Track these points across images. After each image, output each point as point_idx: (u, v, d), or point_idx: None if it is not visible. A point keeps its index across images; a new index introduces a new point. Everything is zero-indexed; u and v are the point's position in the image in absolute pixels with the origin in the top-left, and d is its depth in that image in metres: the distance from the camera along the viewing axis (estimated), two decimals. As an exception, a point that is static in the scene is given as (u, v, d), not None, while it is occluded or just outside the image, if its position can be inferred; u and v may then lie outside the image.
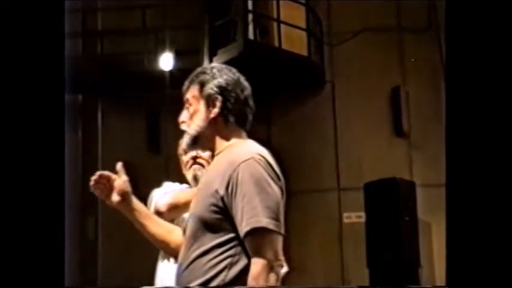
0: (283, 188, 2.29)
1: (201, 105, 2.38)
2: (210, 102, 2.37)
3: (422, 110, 8.74)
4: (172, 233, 2.65)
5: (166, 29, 9.02)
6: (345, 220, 8.69)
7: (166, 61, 8.71)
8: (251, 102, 2.42)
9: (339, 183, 8.80)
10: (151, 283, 3.27)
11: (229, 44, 8.15)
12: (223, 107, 2.36)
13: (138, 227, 2.63)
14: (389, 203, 7.49)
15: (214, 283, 2.21)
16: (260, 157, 2.24)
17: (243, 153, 2.27)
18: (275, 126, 8.90)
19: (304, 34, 8.61)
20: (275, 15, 8.34)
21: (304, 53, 8.55)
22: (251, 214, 2.17)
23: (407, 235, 7.43)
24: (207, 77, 2.40)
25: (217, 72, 2.41)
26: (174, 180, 3.38)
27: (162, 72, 8.61)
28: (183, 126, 2.46)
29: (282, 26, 8.31)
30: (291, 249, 4.06)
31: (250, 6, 8.34)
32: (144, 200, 3.73)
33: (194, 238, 2.29)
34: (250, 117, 2.42)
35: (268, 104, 8.79)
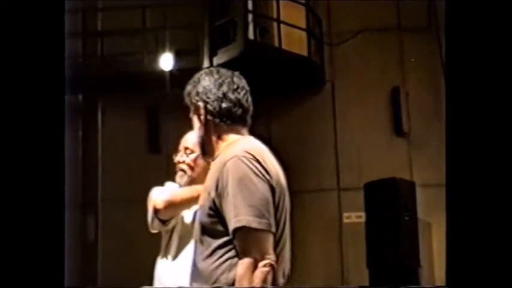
0: (274, 184, 2.26)
1: (194, 117, 2.46)
2: (196, 111, 2.45)
3: (422, 110, 8.73)
4: None
5: (166, 29, 9.01)
6: (345, 220, 8.69)
7: (166, 61, 8.71)
8: (233, 96, 2.39)
9: (339, 183, 8.80)
10: (151, 283, 3.28)
11: (229, 44, 8.15)
12: (206, 112, 2.40)
13: None
14: (389, 203, 7.47)
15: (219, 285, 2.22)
16: (245, 153, 2.22)
17: (230, 153, 2.27)
18: (275, 126, 8.89)
19: (304, 34, 8.61)
20: (275, 15, 8.32)
21: (304, 53, 8.54)
22: (233, 214, 2.15)
23: (407, 235, 7.42)
24: (190, 87, 2.48)
25: (198, 78, 2.47)
26: (174, 180, 3.40)
27: (162, 72, 8.60)
28: None
29: (282, 26, 8.30)
30: (291, 249, 4.05)
31: (250, 6, 8.33)
32: (143, 199, 3.74)
33: (200, 242, 2.31)
34: (238, 111, 2.39)
35: (268, 104, 8.79)
